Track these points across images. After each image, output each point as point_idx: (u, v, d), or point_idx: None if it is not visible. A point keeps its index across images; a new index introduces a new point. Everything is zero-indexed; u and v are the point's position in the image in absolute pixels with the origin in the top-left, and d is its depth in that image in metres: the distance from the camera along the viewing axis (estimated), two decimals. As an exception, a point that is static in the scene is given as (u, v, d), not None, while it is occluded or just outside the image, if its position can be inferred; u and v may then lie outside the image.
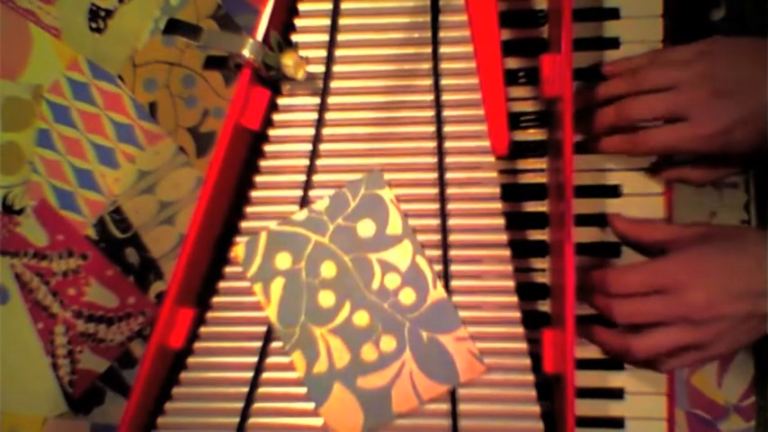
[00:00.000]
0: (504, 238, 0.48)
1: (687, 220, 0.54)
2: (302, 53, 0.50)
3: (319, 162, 0.50)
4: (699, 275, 0.44)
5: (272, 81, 0.50)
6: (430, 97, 0.49)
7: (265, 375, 0.48)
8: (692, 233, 0.47)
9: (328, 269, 0.48)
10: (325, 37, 0.50)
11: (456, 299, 0.47)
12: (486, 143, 0.47)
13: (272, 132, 0.50)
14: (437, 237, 0.48)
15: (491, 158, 0.48)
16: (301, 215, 0.49)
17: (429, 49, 0.49)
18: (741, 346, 0.46)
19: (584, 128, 0.53)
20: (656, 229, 0.49)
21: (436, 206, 0.48)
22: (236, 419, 0.47)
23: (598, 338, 0.49)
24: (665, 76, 0.48)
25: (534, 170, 0.53)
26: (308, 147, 0.49)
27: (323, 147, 0.50)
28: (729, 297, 0.43)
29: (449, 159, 0.48)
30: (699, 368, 0.57)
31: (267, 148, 0.50)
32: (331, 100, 0.50)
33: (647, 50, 0.52)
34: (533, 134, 0.53)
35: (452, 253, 0.48)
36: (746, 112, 0.46)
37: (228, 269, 0.49)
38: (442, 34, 0.49)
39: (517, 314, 0.47)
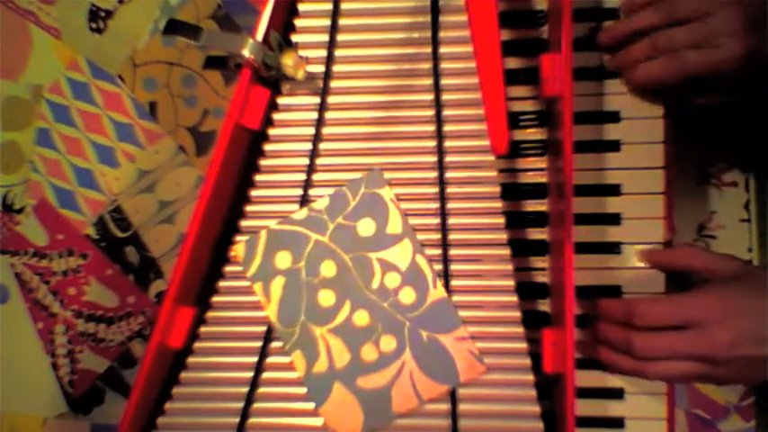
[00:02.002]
0: (504, 237, 0.48)
1: (687, 220, 0.54)
2: (302, 53, 0.50)
3: (319, 161, 0.50)
4: (726, 315, 0.44)
5: (272, 81, 0.50)
6: (430, 97, 0.49)
7: (265, 375, 0.48)
8: (728, 267, 0.48)
9: (328, 268, 0.48)
10: (325, 37, 0.50)
11: (456, 298, 0.47)
12: (486, 142, 0.47)
13: (272, 131, 0.50)
14: (437, 236, 0.48)
15: (491, 157, 0.48)
16: (301, 214, 0.49)
17: (429, 49, 0.49)
18: (750, 382, 0.46)
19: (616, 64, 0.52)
20: (696, 256, 0.49)
21: (436, 205, 0.48)
22: (236, 419, 0.47)
23: (608, 360, 0.50)
24: (698, 4, 0.47)
25: (534, 169, 0.53)
26: (308, 146, 0.49)
27: (323, 146, 0.50)
28: (752, 340, 0.44)
29: (449, 158, 0.48)
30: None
31: (267, 147, 0.50)
32: (331, 99, 0.50)
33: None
34: (533, 133, 0.53)
35: (452, 252, 0.48)
36: None
37: (228, 268, 0.49)
38: (441, 34, 0.49)
39: (517, 314, 0.47)
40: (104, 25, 0.65)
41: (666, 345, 0.46)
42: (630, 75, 0.51)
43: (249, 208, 0.50)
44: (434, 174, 0.48)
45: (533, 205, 0.53)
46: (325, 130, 0.50)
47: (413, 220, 0.48)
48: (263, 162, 0.50)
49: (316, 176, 0.49)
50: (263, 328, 0.48)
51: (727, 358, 0.44)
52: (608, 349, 0.49)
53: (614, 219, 0.53)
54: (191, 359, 0.49)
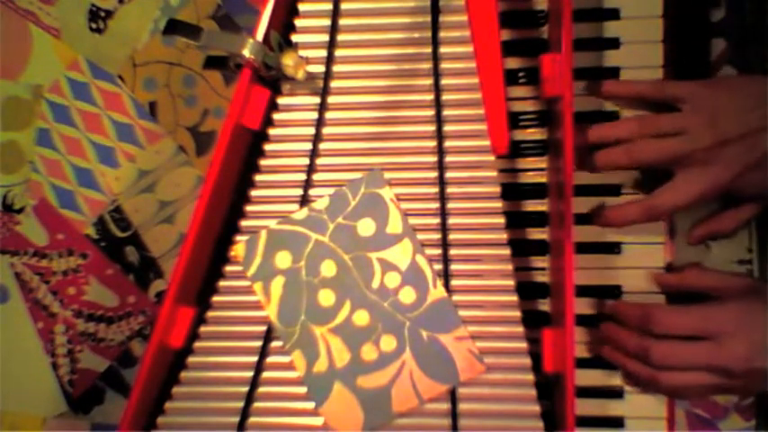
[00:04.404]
0: (504, 236, 0.48)
1: (687, 221, 0.54)
2: (302, 53, 0.50)
3: (319, 161, 0.50)
4: (744, 328, 0.45)
5: (272, 81, 0.50)
6: (430, 97, 0.49)
7: (265, 375, 0.48)
8: (742, 284, 0.48)
9: (328, 268, 0.48)
10: (325, 37, 0.50)
11: (456, 298, 0.47)
12: (487, 142, 0.47)
13: (272, 131, 0.50)
14: (437, 236, 0.48)
15: (491, 157, 0.48)
16: (301, 214, 0.49)
17: (429, 49, 0.49)
18: (762, 392, 0.46)
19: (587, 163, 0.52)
20: (706, 276, 0.50)
21: (436, 205, 0.48)
22: (236, 419, 0.47)
23: (623, 364, 0.50)
24: (671, 123, 0.48)
25: (534, 169, 0.53)
26: (308, 146, 0.49)
27: (323, 146, 0.50)
28: (766, 353, 0.44)
29: (449, 158, 0.48)
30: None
31: (267, 147, 0.50)
32: (331, 99, 0.50)
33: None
34: (533, 133, 0.53)
35: (452, 252, 0.48)
36: (751, 158, 0.46)
37: (228, 268, 0.49)
38: (442, 34, 0.49)
39: (517, 313, 0.47)
40: (104, 25, 0.65)
41: (684, 354, 0.46)
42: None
43: (249, 208, 0.50)
44: (434, 174, 0.48)
45: (533, 205, 0.53)
46: (326, 130, 0.50)
47: (413, 220, 0.48)
48: (263, 162, 0.50)
49: (316, 176, 0.49)
50: (263, 328, 0.48)
51: (744, 371, 0.44)
52: (621, 354, 0.50)
53: (614, 219, 0.53)
54: (191, 359, 0.49)
